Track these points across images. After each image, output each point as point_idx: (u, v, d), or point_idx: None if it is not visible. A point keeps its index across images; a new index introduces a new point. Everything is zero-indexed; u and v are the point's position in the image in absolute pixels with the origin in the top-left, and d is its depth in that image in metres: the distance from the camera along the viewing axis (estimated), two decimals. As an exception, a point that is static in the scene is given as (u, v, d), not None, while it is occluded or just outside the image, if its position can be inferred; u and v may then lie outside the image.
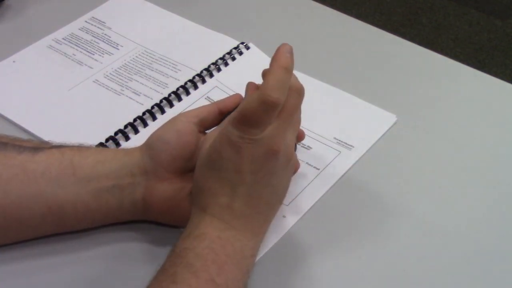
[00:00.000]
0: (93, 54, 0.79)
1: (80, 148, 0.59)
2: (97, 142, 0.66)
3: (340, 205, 0.63)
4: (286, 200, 0.60)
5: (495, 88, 0.78)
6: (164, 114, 0.71)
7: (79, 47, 0.80)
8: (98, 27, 0.84)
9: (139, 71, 0.77)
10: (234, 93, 0.65)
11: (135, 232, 0.59)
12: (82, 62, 0.78)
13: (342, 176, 0.66)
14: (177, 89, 0.74)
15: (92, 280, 0.56)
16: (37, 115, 0.71)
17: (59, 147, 0.58)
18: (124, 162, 0.57)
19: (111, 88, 0.75)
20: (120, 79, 0.76)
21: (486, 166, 0.68)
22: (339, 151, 0.68)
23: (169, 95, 0.73)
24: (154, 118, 0.71)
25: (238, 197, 0.52)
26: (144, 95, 0.74)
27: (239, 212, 0.52)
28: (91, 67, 0.78)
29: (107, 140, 0.67)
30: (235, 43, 0.81)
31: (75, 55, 0.79)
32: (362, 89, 0.75)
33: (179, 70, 0.77)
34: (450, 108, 0.75)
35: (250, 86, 0.57)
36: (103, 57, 0.79)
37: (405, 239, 0.61)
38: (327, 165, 0.67)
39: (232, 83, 0.75)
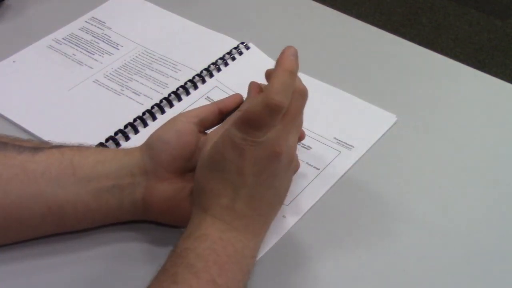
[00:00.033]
0: (93, 54, 0.79)
1: (80, 148, 0.59)
2: (97, 142, 0.66)
3: (340, 205, 0.63)
4: (286, 200, 0.60)
5: (495, 88, 0.78)
6: (164, 114, 0.71)
7: (79, 47, 0.80)
8: (98, 27, 0.84)
9: (139, 71, 0.77)
10: (234, 93, 0.65)
11: (135, 232, 0.59)
12: (82, 62, 0.78)
13: (342, 176, 0.66)
14: (177, 89, 0.74)
15: (92, 280, 0.56)
16: (37, 115, 0.71)
17: (59, 147, 0.58)
18: (124, 162, 0.57)
19: (111, 88, 0.75)
20: (120, 79, 0.76)
21: (486, 166, 0.68)
22: (339, 151, 0.68)
23: (169, 95, 0.73)
24: (154, 118, 0.71)
25: (240, 198, 0.52)
26: (144, 95, 0.74)
27: (240, 213, 0.52)
28: (91, 67, 0.78)
29: (107, 140, 0.67)
30: (235, 43, 0.81)
31: (75, 55, 0.79)
32: (362, 89, 0.75)
33: (179, 70, 0.77)
34: (450, 108, 0.75)
35: (253, 86, 0.57)
36: (103, 57, 0.79)
37: (405, 239, 0.61)
38: (327, 165, 0.67)
39: (232, 83, 0.75)
